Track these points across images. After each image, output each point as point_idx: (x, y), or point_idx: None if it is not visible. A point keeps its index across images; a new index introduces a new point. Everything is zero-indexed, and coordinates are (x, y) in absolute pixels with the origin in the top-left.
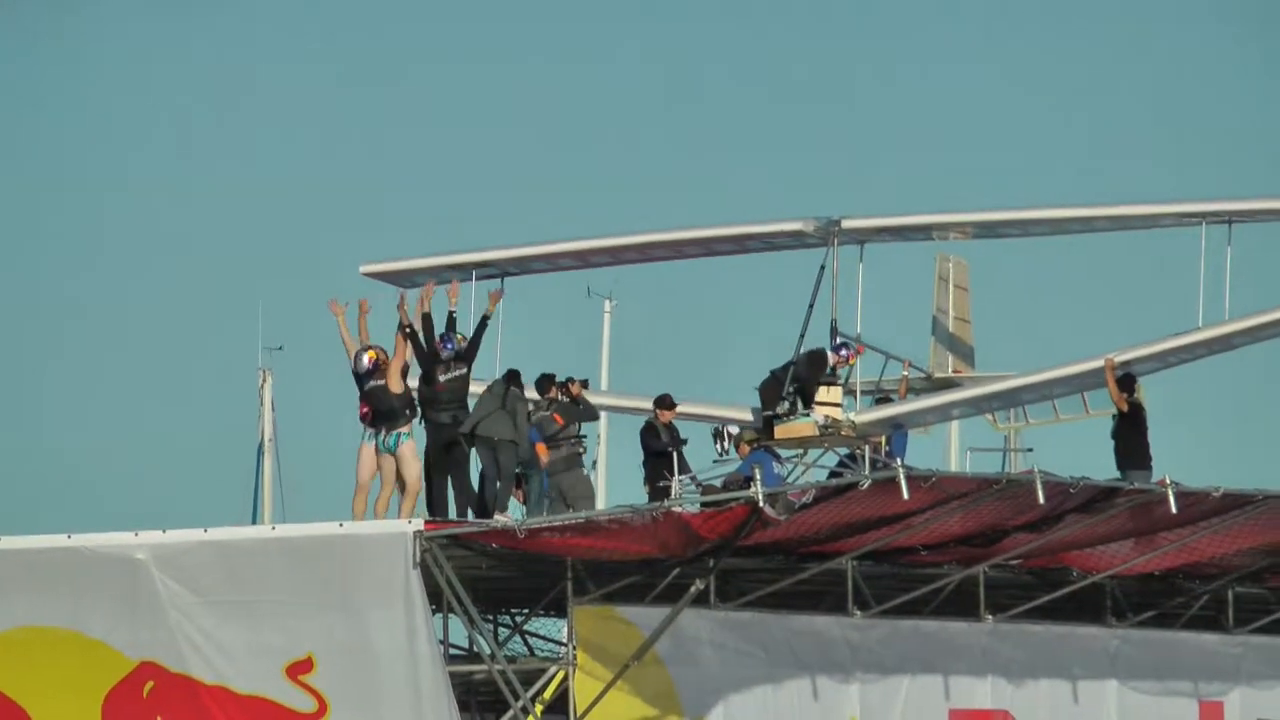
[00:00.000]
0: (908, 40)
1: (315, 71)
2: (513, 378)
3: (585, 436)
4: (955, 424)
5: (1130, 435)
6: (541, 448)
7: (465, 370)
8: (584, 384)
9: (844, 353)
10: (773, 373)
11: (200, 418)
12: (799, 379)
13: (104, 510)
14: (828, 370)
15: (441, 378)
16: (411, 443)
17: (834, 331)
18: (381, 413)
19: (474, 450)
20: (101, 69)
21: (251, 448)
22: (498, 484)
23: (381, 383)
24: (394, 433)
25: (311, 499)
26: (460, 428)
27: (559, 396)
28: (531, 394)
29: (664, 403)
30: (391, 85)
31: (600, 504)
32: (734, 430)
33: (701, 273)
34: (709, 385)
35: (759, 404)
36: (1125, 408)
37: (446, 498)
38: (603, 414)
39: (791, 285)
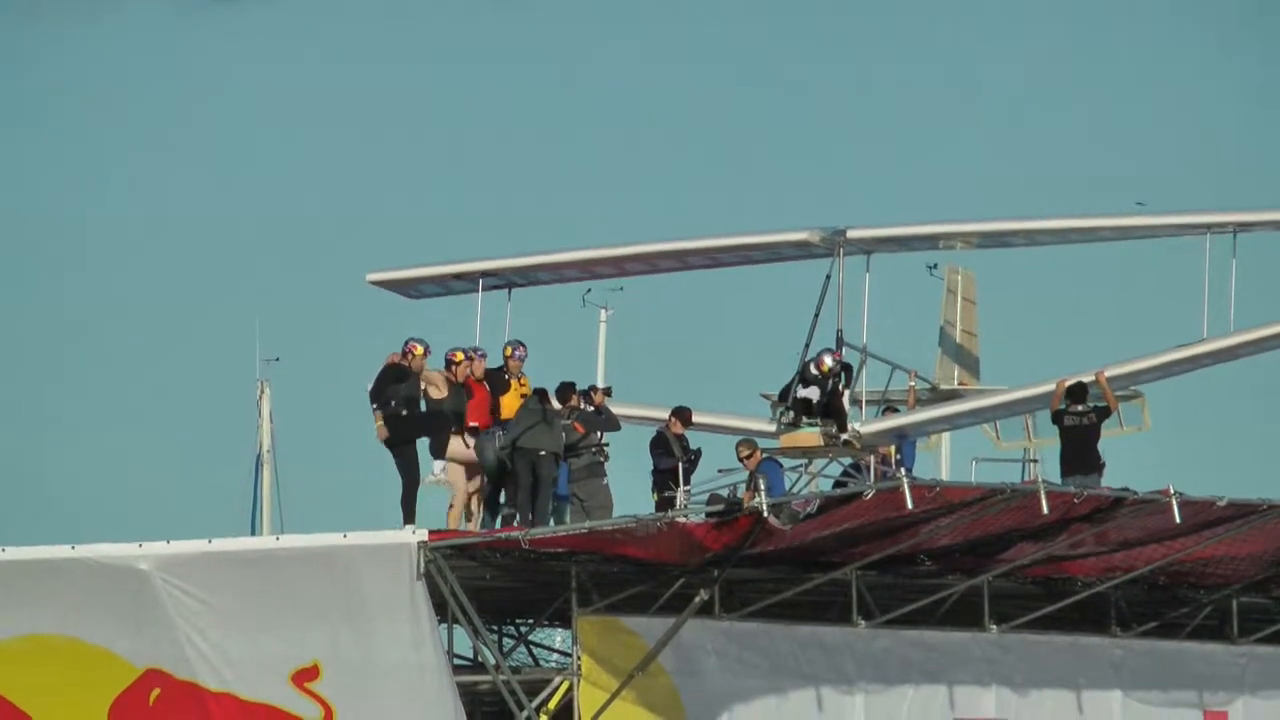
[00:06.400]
0: (914, 49)
1: (318, 77)
2: (543, 395)
3: (608, 445)
4: (947, 435)
5: (1067, 444)
6: None
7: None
8: (607, 392)
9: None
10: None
11: (198, 429)
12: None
13: (102, 521)
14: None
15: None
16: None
17: (840, 342)
18: None
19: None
20: (103, 74)
21: (249, 458)
22: (536, 495)
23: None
24: None
25: (309, 510)
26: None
27: (580, 405)
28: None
29: (680, 415)
30: (394, 94)
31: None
32: None
33: (707, 283)
34: (713, 396)
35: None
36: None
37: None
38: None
39: (797, 296)
